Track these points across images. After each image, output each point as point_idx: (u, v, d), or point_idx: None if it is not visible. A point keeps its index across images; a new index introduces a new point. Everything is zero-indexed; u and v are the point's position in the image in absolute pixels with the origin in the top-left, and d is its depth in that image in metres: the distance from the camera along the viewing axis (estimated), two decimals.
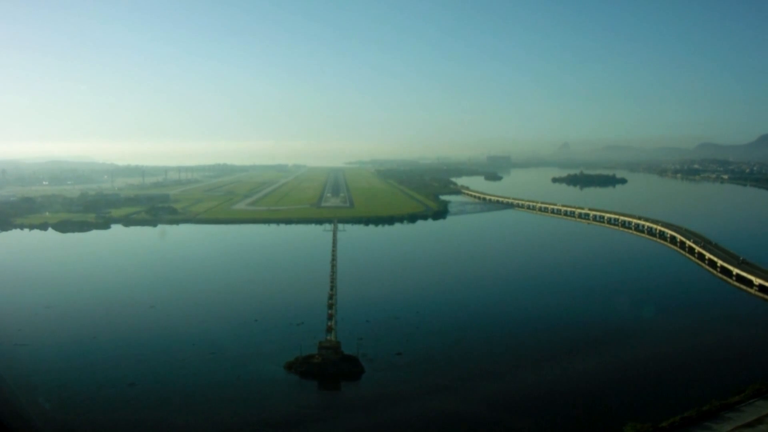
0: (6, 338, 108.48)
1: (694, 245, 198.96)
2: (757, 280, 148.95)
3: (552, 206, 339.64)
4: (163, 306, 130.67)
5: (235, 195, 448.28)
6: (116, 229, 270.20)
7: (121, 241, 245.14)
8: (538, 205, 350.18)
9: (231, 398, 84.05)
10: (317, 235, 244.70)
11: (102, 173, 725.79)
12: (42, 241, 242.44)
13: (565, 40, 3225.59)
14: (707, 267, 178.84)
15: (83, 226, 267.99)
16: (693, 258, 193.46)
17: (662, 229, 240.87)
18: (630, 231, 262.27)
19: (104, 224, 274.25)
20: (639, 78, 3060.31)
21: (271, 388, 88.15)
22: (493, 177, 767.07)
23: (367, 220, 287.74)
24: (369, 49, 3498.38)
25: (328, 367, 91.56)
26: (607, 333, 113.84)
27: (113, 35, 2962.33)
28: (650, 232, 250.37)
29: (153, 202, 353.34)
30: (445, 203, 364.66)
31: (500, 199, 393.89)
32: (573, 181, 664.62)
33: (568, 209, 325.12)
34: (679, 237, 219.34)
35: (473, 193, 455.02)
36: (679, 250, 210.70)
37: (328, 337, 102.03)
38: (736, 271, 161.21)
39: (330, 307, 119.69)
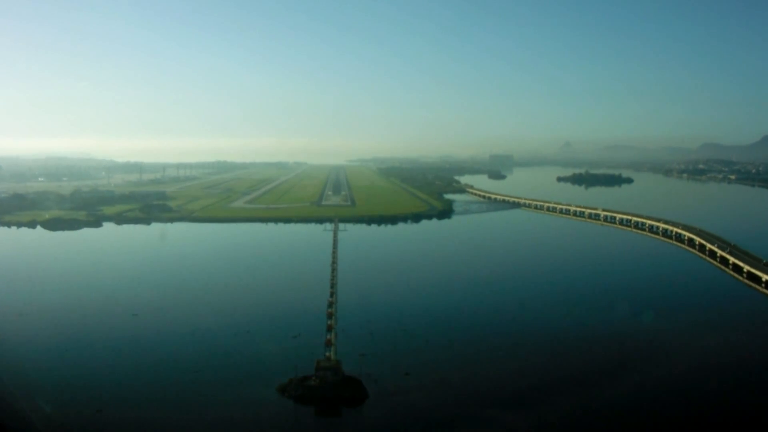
0: None
1: (715, 249, 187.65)
2: None
3: (561, 206, 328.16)
4: (147, 314, 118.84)
5: (233, 192, 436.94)
6: (108, 227, 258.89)
7: (111, 241, 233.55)
8: (546, 204, 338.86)
9: (214, 428, 72.99)
10: (317, 235, 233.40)
11: (100, 170, 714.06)
12: (28, 240, 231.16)
13: (566, 39, 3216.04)
14: (731, 272, 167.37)
15: (73, 224, 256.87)
16: (714, 262, 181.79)
17: (679, 231, 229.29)
18: (644, 233, 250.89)
19: (95, 222, 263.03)
20: (641, 77, 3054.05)
21: (261, 414, 76.86)
22: (496, 176, 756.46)
23: (369, 220, 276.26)
24: (371, 47, 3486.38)
25: (327, 391, 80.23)
26: (638, 349, 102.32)
27: (115, 32, 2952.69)
28: (665, 234, 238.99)
29: (148, 199, 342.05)
30: (450, 202, 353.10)
31: (506, 199, 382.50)
32: (578, 180, 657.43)
33: (578, 209, 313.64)
34: (698, 240, 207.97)
35: (478, 192, 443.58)
36: (698, 253, 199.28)
37: (327, 354, 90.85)
38: (766, 277, 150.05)
39: (329, 316, 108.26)
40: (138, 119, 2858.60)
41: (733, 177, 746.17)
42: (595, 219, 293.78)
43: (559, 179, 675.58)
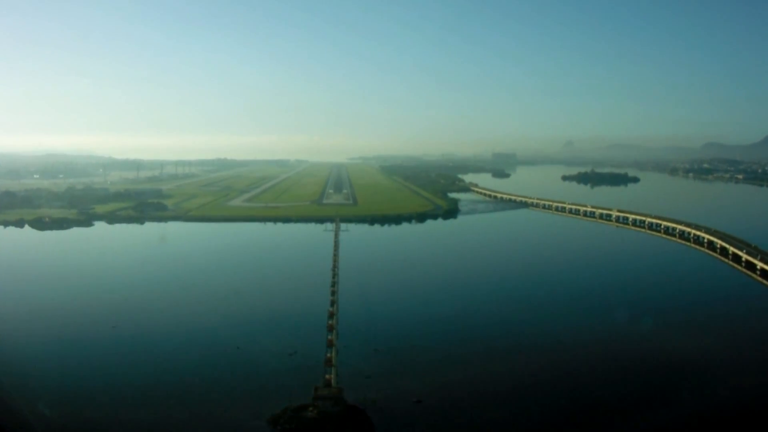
0: None
1: (740, 252, 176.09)
2: None
3: (570, 206, 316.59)
4: (128, 326, 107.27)
5: (231, 190, 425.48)
6: (99, 226, 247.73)
7: (100, 241, 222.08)
8: (555, 204, 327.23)
9: None
10: (317, 235, 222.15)
11: (98, 167, 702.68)
12: (13, 241, 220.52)
13: (568, 38, 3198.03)
14: (759, 278, 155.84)
15: (63, 224, 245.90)
16: (740, 267, 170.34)
17: (697, 232, 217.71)
18: (658, 234, 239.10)
19: (86, 221, 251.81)
20: (642, 76, 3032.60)
21: None
22: (500, 174, 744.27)
23: (372, 219, 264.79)
24: (373, 45, 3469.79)
25: (326, 424, 68.81)
26: (682, 372, 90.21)
27: (118, 29, 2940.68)
28: (682, 235, 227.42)
29: (143, 197, 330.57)
30: (455, 201, 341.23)
31: (513, 198, 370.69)
32: (583, 179, 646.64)
33: (588, 209, 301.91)
34: (719, 242, 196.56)
35: (483, 191, 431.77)
36: (719, 256, 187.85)
37: (328, 376, 79.57)
38: None
39: (330, 330, 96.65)
40: (140, 117, 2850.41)
41: (740, 177, 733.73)
42: (606, 220, 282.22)
43: (564, 178, 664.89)
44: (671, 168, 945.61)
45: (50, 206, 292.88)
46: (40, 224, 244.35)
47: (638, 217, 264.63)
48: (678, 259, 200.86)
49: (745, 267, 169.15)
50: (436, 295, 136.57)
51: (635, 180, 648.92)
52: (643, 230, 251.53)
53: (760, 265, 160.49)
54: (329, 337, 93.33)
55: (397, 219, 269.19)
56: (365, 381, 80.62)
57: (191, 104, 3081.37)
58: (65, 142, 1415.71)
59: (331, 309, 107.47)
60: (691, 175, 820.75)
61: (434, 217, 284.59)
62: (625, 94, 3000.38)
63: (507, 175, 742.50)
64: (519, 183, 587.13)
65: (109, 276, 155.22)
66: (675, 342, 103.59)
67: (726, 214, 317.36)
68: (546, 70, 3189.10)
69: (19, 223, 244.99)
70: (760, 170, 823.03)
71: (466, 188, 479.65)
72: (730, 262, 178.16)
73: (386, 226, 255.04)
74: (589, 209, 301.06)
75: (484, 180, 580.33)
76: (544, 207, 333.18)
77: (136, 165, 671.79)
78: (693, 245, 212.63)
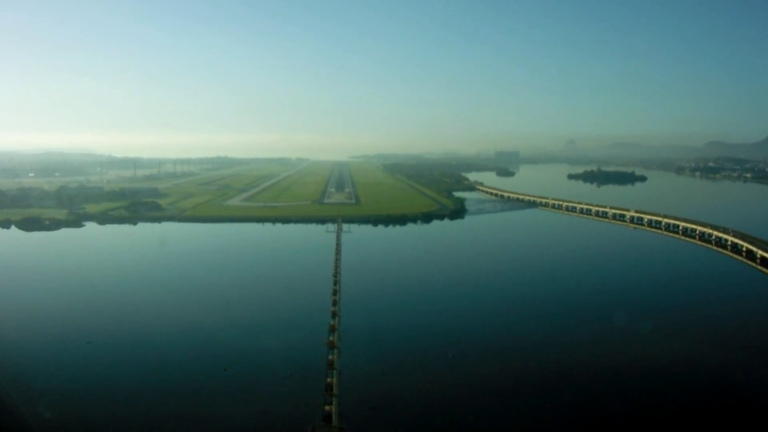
0: None
1: None
2: None
3: (581, 206, 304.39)
4: (104, 341, 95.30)
5: (230, 189, 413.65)
6: (89, 227, 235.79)
7: (88, 243, 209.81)
8: (566, 204, 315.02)
9: None
10: (318, 236, 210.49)
11: (96, 165, 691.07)
12: None
13: (570, 36, 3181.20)
14: None
15: (51, 224, 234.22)
16: None
17: (718, 234, 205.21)
18: (676, 236, 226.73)
19: (76, 222, 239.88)
20: (644, 75, 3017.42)
21: None
22: (505, 173, 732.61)
23: (375, 220, 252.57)
24: (374, 43, 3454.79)
25: None
26: (725, 392, 78.88)
27: (119, 27, 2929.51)
28: (702, 237, 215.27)
29: (138, 196, 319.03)
30: (462, 201, 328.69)
31: (521, 197, 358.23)
32: (589, 177, 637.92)
33: (600, 209, 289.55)
34: (744, 245, 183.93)
35: (490, 190, 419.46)
36: (744, 260, 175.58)
37: (328, 407, 67.51)
38: None
39: (331, 348, 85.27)
40: (141, 115, 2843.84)
41: (749, 176, 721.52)
42: (620, 220, 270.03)
43: (570, 177, 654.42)
44: (677, 167, 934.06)
45: (40, 206, 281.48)
46: (27, 225, 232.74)
47: (654, 218, 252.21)
48: (701, 263, 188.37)
49: None
50: (449, 304, 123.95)
51: (642, 179, 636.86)
52: (659, 231, 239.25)
53: None
54: (330, 357, 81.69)
55: (402, 219, 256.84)
56: (371, 412, 68.78)
57: (192, 102, 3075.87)
58: (66, 141, 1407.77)
59: (332, 322, 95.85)
60: (698, 174, 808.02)
61: (441, 217, 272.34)
62: (626, 92, 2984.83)
63: (511, 174, 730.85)
64: (524, 182, 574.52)
65: (88, 282, 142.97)
66: (714, 357, 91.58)
67: (743, 215, 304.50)
68: (547, 68, 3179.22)
69: (6, 224, 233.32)
70: (766, 168, 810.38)
71: (471, 187, 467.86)
72: (759, 267, 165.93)
73: (391, 227, 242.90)
74: (601, 209, 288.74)
75: (488, 178, 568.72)
76: (553, 207, 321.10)
77: (134, 163, 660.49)
78: (714, 247, 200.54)
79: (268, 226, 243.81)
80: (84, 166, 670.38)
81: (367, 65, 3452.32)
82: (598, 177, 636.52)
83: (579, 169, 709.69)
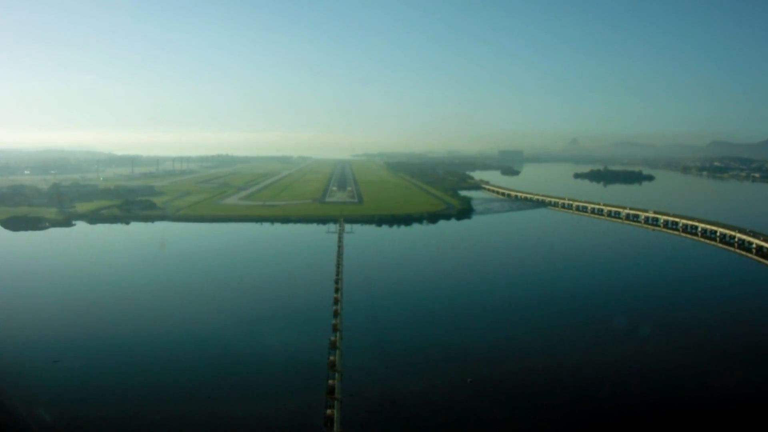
0: None
1: None
2: None
3: (592, 205, 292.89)
4: (72, 360, 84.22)
5: (229, 187, 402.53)
6: (79, 226, 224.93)
7: (74, 244, 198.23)
8: (576, 203, 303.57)
9: None
10: (319, 237, 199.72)
11: (95, 163, 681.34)
12: None
13: (572, 35, 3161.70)
14: None
15: (39, 224, 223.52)
16: None
17: (741, 236, 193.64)
18: (695, 237, 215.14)
19: (65, 221, 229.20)
20: (647, 74, 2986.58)
21: None
22: (509, 171, 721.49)
23: (379, 220, 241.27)
24: (377, 42, 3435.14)
25: None
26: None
27: (122, 24, 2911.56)
28: (723, 239, 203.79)
29: (133, 194, 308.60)
30: (468, 200, 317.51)
31: (529, 196, 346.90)
32: (596, 176, 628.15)
33: (612, 209, 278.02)
34: None
35: (496, 189, 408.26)
36: None
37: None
38: None
39: (332, 368, 74.40)
40: (142, 113, 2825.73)
41: (757, 175, 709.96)
42: (634, 221, 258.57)
43: (576, 176, 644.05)
44: (683, 166, 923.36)
45: (30, 204, 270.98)
46: (13, 224, 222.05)
47: (671, 219, 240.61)
48: (727, 268, 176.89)
49: None
50: (461, 313, 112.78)
51: (649, 178, 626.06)
52: (677, 233, 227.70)
53: None
54: (330, 382, 70.66)
55: (406, 219, 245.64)
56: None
57: (194, 100, 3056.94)
58: (66, 139, 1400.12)
59: (333, 338, 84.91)
60: (705, 173, 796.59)
61: (447, 217, 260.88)
62: (628, 91, 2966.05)
63: (516, 173, 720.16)
64: (530, 181, 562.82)
65: (75, 288, 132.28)
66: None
67: (758, 216, 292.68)
68: (550, 67, 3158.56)
69: None
70: None
71: (476, 186, 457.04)
72: None
73: (395, 227, 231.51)
74: (615, 209, 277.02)
75: (493, 177, 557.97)
76: (562, 206, 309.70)
77: (132, 161, 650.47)
78: (737, 250, 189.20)
79: (267, 225, 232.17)
80: (83, 164, 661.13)
81: (369, 63, 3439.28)
82: (604, 176, 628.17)
83: (585, 168, 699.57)
